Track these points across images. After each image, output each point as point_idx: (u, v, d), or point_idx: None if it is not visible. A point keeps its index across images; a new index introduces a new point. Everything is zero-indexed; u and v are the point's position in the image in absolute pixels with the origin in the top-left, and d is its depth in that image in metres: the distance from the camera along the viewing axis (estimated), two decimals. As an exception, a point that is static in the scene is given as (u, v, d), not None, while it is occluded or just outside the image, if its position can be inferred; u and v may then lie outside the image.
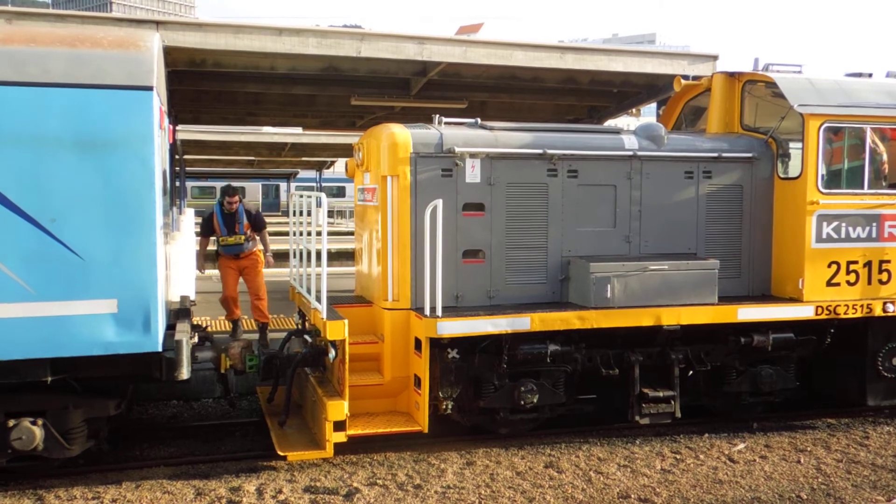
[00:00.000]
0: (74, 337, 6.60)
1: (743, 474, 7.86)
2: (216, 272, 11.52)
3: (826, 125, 8.87)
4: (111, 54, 6.74)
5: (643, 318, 8.37)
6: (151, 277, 6.78)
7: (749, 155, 9.29)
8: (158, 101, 7.00)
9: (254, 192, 53.63)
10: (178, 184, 22.53)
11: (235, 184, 11.57)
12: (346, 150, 25.05)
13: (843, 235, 8.97)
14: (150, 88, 6.70)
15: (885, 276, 9.15)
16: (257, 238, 11.06)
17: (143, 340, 6.76)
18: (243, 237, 10.66)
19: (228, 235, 10.56)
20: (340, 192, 49.38)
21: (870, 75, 9.89)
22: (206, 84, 12.18)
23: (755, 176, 9.33)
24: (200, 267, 11.37)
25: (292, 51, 10.14)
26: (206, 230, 10.80)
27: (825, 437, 9.04)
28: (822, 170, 8.87)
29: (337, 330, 7.63)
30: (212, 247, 11.32)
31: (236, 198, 10.50)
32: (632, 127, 9.54)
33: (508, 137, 8.66)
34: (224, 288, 11.09)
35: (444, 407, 8.18)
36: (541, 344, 8.19)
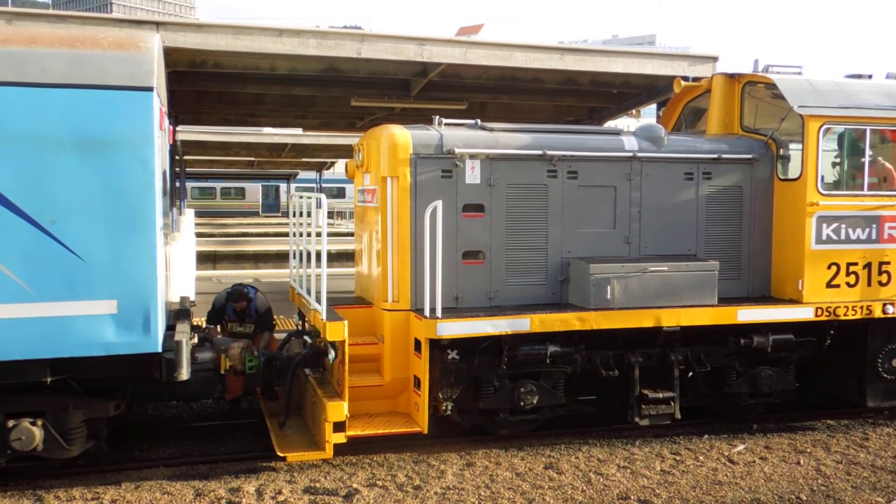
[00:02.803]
0: (74, 337, 6.60)
1: (742, 475, 7.86)
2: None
3: (826, 126, 8.87)
4: (111, 55, 6.75)
5: (643, 320, 8.37)
6: (151, 278, 6.78)
7: (749, 156, 9.30)
8: (158, 101, 7.00)
9: (254, 192, 53.72)
10: (178, 184, 22.55)
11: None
12: (346, 151, 25.07)
13: (842, 237, 8.97)
14: (150, 89, 6.70)
15: (884, 278, 9.15)
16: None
17: (142, 341, 6.76)
18: (252, 325, 9.70)
19: (238, 324, 9.62)
20: (340, 193, 49.42)
21: (870, 77, 9.89)
22: (206, 85, 12.19)
23: (755, 177, 9.33)
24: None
25: (293, 52, 10.14)
26: (214, 320, 9.67)
27: (825, 439, 9.04)
28: (821, 171, 8.87)
29: (337, 331, 7.63)
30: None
31: (242, 303, 9.55)
32: (632, 128, 9.54)
33: (508, 138, 8.67)
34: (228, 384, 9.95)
35: (443, 408, 8.18)
36: (540, 345, 8.19)
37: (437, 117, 8.76)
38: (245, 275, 18.30)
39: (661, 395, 8.64)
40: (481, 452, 8.38)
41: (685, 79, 10.62)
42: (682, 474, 7.87)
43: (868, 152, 9.04)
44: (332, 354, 7.83)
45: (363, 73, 11.60)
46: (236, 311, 9.54)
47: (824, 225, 8.90)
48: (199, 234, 24.27)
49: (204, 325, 9.33)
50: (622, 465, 8.09)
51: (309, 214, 8.77)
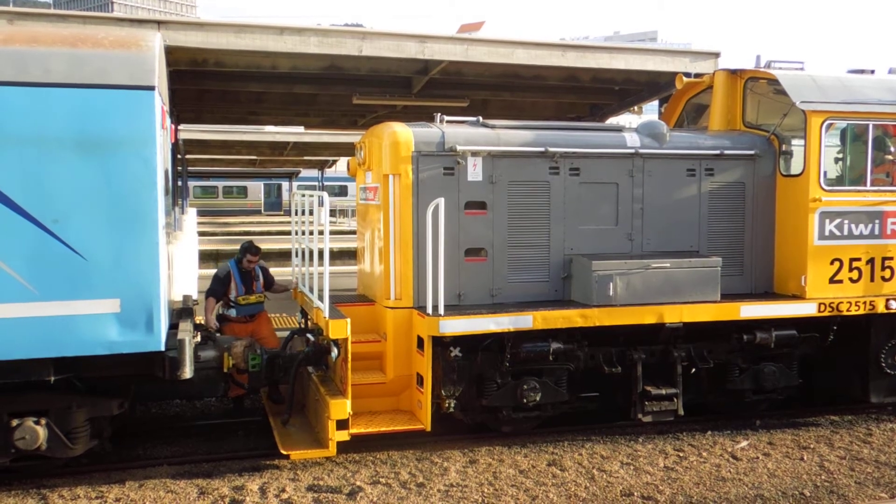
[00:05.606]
0: (77, 337, 6.60)
1: (746, 472, 7.86)
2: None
3: (828, 122, 8.85)
4: (113, 54, 6.74)
5: (646, 316, 8.36)
6: (154, 277, 6.78)
7: (751, 152, 9.28)
8: (160, 100, 7.00)
9: (256, 191, 53.74)
10: (180, 183, 22.57)
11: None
12: (347, 149, 25.07)
13: (845, 232, 8.95)
14: (151, 88, 6.70)
15: (887, 273, 9.13)
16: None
17: (145, 340, 6.76)
18: (263, 296, 9.72)
19: (248, 294, 9.53)
20: (342, 191, 49.40)
21: (872, 72, 9.87)
22: (207, 83, 12.19)
23: (757, 173, 9.32)
24: (212, 322, 9.33)
25: (294, 50, 10.15)
26: (220, 290, 9.49)
27: (828, 435, 9.03)
28: (824, 167, 8.86)
29: (339, 329, 7.63)
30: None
31: (258, 257, 9.53)
32: (634, 125, 9.53)
33: (510, 136, 8.66)
34: None
35: (446, 405, 8.18)
36: (543, 342, 8.19)
37: (439, 115, 8.75)
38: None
39: (664, 392, 8.64)
40: (484, 450, 8.38)
41: (687, 75, 10.61)
42: (686, 470, 7.87)
43: (870, 147, 9.02)
44: (334, 352, 7.83)
45: (364, 71, 11.59)
46: (247, 269, 9.48)
47: (827, 220, 8.88)
48: (201, 233, 24.29)
49: (205, 299, 9.34)
50: (625, 462, 8.09)
51: (311, 212, 8.77)
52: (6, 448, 6.96)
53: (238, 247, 9.80)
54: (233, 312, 9.51)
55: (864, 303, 8.98)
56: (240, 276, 9.51)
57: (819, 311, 8.85)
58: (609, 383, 8.97)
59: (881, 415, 9.81)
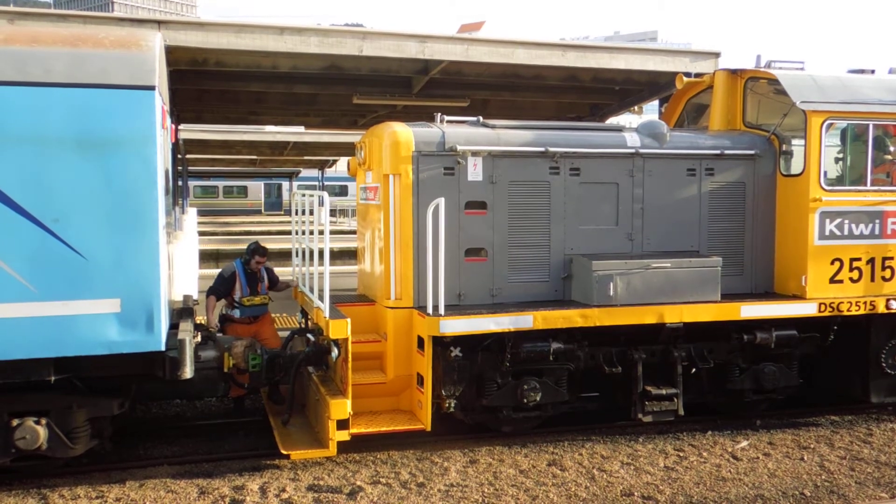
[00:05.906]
0: (77, 336, 6.60)
1: (746, 472, 7.86)
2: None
3: (829, 122, 8.85)
4: (113, 54, 6.74)
5: (646, 316, 8.36)
6: (154, 277, 6.77)
7: (751, 152, 9.28)
8: (160, 100, 7.00)
9: (256, 191, 53.73)
10: (180, 183, 22.55)
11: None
12: (348, 149, 25.06)
13: (845, 232, 8.96)
14: (152, 88, 6.70)
15: (888, 273, 9.13)
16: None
17: (146, 340, 6.76)
18: (267, 297, 9.69)
19: (253, 295, 9.53)
20: (343, 191, 49.40)
21: (872, 72, 9.87)
22: (208, 83, 12.20)
23: (758, 173, 9.32)
24: (212, 321, 9.50)
25: (294, 50, 10.15)
26: (223, 290, 9.52)
27: (828, 435, 9.03)
28: (824, 166, 8.86)
29: (339, 329, 7.63)
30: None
31: (265, 258, 9.51)
32: (634, 125, 9.53)
33: (510, 135, 8.66)
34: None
35: (446, 405, 8.18)
36: (543, 342, 8.19)
37: (439, 115, 8.75)
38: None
39: (664, 392, 8.63)
40: (484, 450, 8.39)
41: (687, 75, 10.61)
42: (686, 470, 7.87)
43: (871, 147, 9.03)
44: (335, 352, 7.83)
45: (365, 71, 11.59)
46: (253, 270, 9.47)
47: (827, 220, 8.89)
48: (201, 233, 24.28)
49: (206, 297, 9.35)
50: (626, 462, 8.09)
51: (311, 212, 8.77)
52: (7, 448, 6.96)
53: (238, 246, 9.81)
54: (236, 313, 9.50)
55: (865, 303, 8.98)
56: (245, 276, 9.50)
57: (819, 312, 8.85)
58: (609, 383, 8.97)
59: (881, 415, 9.81)
